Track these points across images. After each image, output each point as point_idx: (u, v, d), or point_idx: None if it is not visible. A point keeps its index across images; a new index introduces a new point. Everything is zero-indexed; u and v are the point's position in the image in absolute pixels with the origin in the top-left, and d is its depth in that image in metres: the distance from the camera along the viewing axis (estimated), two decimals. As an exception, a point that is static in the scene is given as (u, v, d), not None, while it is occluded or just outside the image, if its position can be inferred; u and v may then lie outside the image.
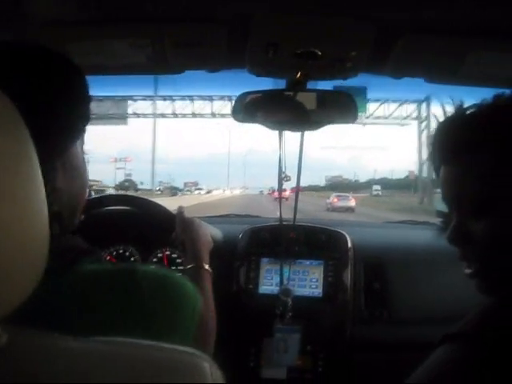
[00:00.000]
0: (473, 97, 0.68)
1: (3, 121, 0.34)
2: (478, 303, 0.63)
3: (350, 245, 1.58)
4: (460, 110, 0.67)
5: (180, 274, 0.76)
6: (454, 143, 0.65)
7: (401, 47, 1.04)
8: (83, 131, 0.67)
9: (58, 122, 0.60)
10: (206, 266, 1.04)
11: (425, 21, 0.97)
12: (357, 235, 1.70)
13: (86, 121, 0.66)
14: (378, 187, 72.63)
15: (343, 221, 2.93)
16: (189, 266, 1.05)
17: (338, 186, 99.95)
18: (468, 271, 0.66)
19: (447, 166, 0.67)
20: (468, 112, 0.66)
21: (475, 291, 0.66)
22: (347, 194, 34.53)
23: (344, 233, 1.62)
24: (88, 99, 0.66)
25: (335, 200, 29.54)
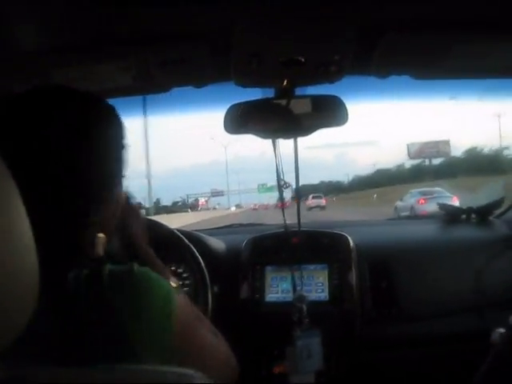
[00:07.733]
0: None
1: None
2: None
3: (352, 246, 1.58)
4: None
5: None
6: None
7: (383, 46, 1.04)
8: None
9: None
10: None
11: (405, 18, 0.98)
12: (361, 235, 1.69)
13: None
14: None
15: (347, 221, 2.93)
16: None
17: (395, 177, 46.35)
18: None
19: None
20: None
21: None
22: (439, 189, 18.86)
23: (346, 235, 1.62)
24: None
25: (422, 201, 16.23)
